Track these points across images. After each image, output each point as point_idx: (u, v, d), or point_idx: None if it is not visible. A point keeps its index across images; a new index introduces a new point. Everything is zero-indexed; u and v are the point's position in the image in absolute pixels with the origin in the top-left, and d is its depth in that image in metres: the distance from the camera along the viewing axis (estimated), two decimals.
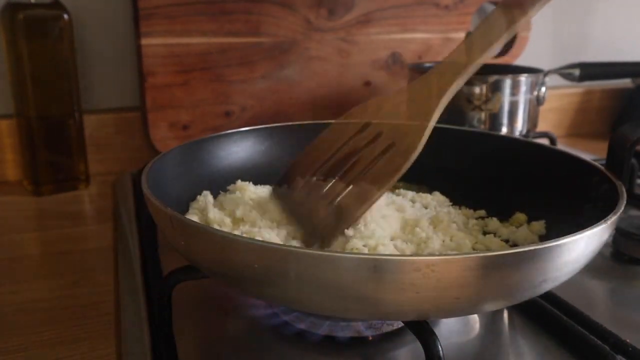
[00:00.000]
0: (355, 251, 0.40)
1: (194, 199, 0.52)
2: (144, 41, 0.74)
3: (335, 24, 0.83)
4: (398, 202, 0.50)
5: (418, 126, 0.35)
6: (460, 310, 0.35)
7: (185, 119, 0.79)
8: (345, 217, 0.37)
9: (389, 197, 0.50)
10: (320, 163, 0.38)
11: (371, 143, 0.36)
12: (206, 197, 0.51)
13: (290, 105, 0.84)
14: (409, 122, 0.36)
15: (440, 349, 0.33)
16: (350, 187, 0.37)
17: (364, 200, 0.36)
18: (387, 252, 0.40)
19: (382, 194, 0.37)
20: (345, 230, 0.39)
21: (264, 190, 0.53)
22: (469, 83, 0.73)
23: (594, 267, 0.49)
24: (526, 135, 0.79)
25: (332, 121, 0.57)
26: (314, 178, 0.39)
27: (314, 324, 0.40)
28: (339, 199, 0.37)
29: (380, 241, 0.41)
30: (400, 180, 0.39)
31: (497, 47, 0.38)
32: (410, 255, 0.30)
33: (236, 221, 0.46)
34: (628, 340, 0.38)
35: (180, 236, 0.36)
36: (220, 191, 0.53)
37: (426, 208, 0.51)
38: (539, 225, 0.47)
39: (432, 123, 0.35)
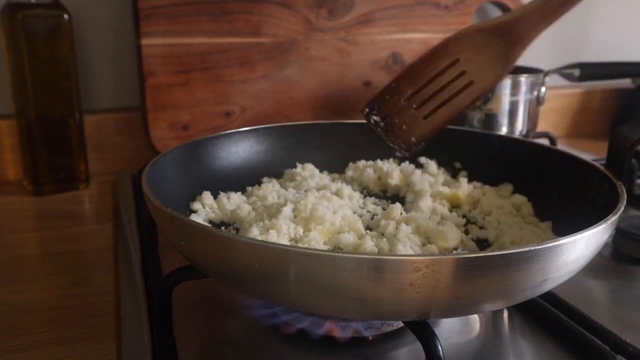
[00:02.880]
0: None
1: (194, 199, 0.52)
2: (144, 41, 0.74)
3: (336, 24, 0.83)
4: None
5: (496, 74, 0.44)
6: (460, 310, 0.35)
7: (185, 119, 0.79)
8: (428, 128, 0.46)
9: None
10: (411, 91, 0.46)
11: (454, 80, 0.45)
12: (206, 197, 0.51)
13: (290, 105, 0.84)
14: (489, 66, 0.44)
15: (440, 349, 0.33)
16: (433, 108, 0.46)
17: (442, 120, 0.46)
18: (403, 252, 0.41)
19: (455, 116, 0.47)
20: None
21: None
22: None
23: (594, 267, 0.49)
24: (526, 135, 0.79)
25: (335, 121, 0.60)
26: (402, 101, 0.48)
27: (314, 324, 0.40)
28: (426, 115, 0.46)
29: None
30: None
31: None
32: (410, 256, 0.30)
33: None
34: (628, 340, 0.38)
35: (180, 236, 0.36)
36: (220, 191, 0.53)
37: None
38: (546, 227, 0.47)
39: (508, 70, 0.44)
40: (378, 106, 0.49)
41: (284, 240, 0.42)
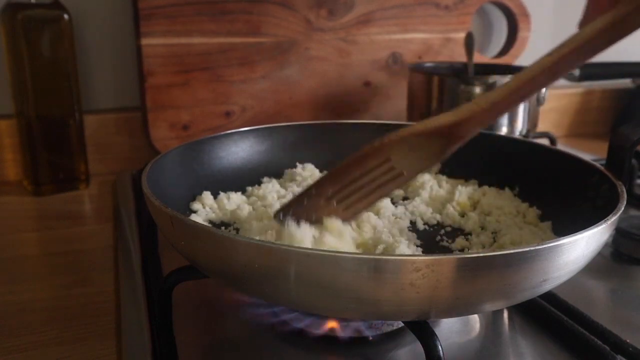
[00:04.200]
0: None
1: (194, 199, 0.52)
2: (144, 41, 0.74)
3: (335, 24, 0.83)
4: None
5: (426, 166, 0.42)
6: (460, 310, 0.35)
7: (185, 119, 0.79)
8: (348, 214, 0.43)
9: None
10: (333, 190, 0.43)
11: (384, 174, 0.42)
12: (206, 197, 0.51)
13: (290, 105, 0.84)
14: (420, 161, 0.42)
15: (440, 349, 0.33)
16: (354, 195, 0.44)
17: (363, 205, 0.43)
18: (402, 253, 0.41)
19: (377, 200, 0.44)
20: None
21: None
22: (469, 83, 0.74)
23: (594, 267, 0.49)
24: (526, 135, 0.79)
25: (335, 121, 0.61)
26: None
27: (314, 324, 0.40)
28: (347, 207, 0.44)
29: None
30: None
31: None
32: (410, 255, 0.30)
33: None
34: (628, 340, 0.38)
35: (180, 236, 0.36)
36: (220, 191, 0.53)
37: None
38: (546, 227, 0.47)
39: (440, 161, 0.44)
40: (293, 211, 0.44)
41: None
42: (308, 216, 0.42)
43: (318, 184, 0.44)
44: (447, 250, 0.46)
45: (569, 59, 0.36)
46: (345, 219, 0.43)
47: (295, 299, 0.33)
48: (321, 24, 0.82)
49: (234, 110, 0.81)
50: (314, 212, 0.43)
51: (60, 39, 0.68)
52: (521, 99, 0.39)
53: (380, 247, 0.42)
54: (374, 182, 0.42)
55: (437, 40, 0.90)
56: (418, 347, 0.34)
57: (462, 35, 0.89)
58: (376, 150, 0.42)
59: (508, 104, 0.39)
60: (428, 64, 0.86)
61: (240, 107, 0.81)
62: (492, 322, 0.43)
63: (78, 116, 0.72)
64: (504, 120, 0.76)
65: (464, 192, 0.53)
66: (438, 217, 0.51)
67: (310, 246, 0.39)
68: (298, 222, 0.40)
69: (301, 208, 0.43)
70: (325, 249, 0.40)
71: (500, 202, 0.51)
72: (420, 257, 0.29)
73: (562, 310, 0.42)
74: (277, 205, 0.46)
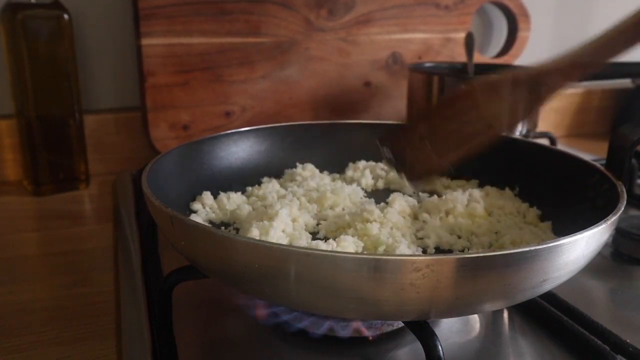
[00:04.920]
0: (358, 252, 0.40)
1: (193, 199, 0.52)
2: (144, 41, 0.74)
3: (335, 24, 0.83)
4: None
5: (515, 121, 0.45)
6: (460, 310, 0.35)
7: (185, 119, 0.79)
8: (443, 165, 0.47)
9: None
10: (425, 128, 0.47)
11: (472, 123, 0.45)
12: (206, 197, 0.51)
13: (290, 105, 0.84)
14: (509, 113, 0.44)
15: (440, 349, 0.33)
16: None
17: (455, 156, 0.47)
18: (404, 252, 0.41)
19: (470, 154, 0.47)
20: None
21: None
22: (469, 83, 0.74)
23: (594, 267, 0.49)
24: (526, 135, 0.79)
25: (335, 121, 0.62)
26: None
27: (314, 324, 0.40)
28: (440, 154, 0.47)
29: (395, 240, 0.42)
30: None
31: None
32: (410, 256, 0.30)
33: None
34: (628, 340, 0.38)
35: (180, 236, 0.36)
36: (220, 191, 0.53)
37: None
38: (546, 227, 0.47)
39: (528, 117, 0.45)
40: (390, 141, 0.49)
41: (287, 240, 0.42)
42: (403, 151, 0.46)
43: (412, 119, 0.48)
44: (447, 250, 0.46)
45: None
46: (440, 167, 0.46)
47: (295, 299, 0.33)
48: (321, 24, 0.82)
49: (234, 110, 0.81)
50: (410, 150, 0.47)
51: (60, 39, 0.68)
52: (602, 59, 0.41)
53: (381, 248, 0.42)
54: (464, 128, 0.44)
55: (437, 40, 0.90)
56: (418, 347, 0.34)
57: (462, 35, 0.89)
58: (465, 93, 0.45)
59: (591, 62, 0.42)
60: (428, 64, 0.86)
61: (240, 107, 0.81)
62: (492, 322, 0.43)
63: (78, 116, 0.72)
64: None
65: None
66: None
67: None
68: (396, 155, 0.45)
69: (399, 140, 0.48)
70: (325, 248, 0.40)
71: (500, 202, 0.51)
72: (420, 257, 0.29)
73: (562, 310, 0.42)
74: (277, 206, 0.46)
